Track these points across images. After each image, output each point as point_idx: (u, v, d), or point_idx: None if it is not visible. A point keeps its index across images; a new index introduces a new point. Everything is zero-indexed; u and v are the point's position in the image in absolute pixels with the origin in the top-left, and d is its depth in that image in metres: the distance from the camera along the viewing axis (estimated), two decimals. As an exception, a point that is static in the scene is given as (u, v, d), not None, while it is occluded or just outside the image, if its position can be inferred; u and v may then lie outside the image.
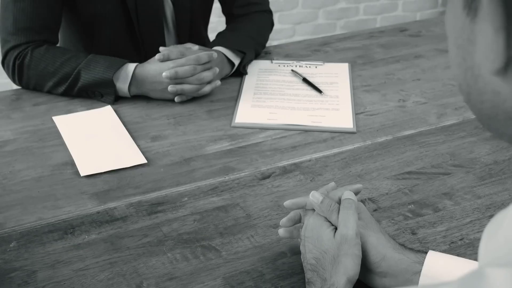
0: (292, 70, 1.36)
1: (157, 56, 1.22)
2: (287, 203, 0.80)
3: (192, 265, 0.80)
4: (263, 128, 1.14)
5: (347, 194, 0.76)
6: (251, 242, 0.85)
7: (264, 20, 1.49)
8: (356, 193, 0.77)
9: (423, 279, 0.69)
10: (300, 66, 1.39)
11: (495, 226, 0.39)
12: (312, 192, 0.76)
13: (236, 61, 1.33)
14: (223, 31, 1.43)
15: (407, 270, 0.70)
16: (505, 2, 0.31)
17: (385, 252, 0.71)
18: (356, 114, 1.19)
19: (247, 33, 1.40)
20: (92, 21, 1.32)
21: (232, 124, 1.15)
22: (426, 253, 0.71)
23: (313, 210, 0.76)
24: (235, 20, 1.47)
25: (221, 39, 1.37)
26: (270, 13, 1.51)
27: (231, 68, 1.33)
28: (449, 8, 0.36)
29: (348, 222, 0.71)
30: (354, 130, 1.13)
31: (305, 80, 1.31)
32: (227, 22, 1.51)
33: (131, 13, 1.31)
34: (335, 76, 1.35)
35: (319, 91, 1.27)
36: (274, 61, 1.41)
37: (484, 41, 0.33)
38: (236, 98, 1.25)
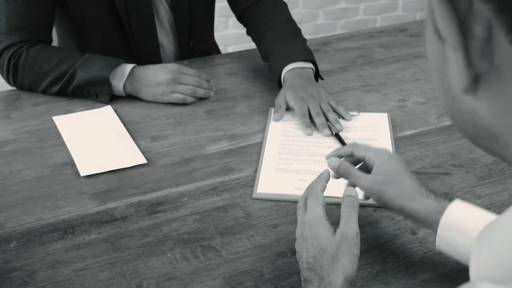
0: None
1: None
2: (329, 155, 0.86)
3: (192, 265, 0.80)
4: (289, 201, 0.93)
5: (349, 190, 0.76)
6: (251, 242, 0.85)
7: (279, 3, 1.45)
8: (348, 156, 0.85)
9: (442, 227, 0.72)
10: None
11: (484, 240, 0.39)
12: (330, 158, 0.85)
13: (309, 64, 1.25)
14: (267, 46, 1.31)
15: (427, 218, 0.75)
16: (456, 20, 0.31)
17: (402, 203, 0.77)
18: (356, 114, 1.19)
19: (287, 32, 1.34)
20: (83, 22, 1.32)
21: (254, 196, 0.94)
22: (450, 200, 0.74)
23: (305, 208, 0.76)
24: (249, 14, 1.39)
25: (280, 56, 1.26)
26: None
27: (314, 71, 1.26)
28: (426, 33, 0.37)
29: (349, 221, 0.71)
30: None
31: (336, 136, 1.10)
32: (239, 18, 1.44)
33: (120, 14, 1.30)
34: (373, 131, 1.12)
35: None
36: None
37: (452, 62, 0.33)
38: (260, 136, 1.15)
